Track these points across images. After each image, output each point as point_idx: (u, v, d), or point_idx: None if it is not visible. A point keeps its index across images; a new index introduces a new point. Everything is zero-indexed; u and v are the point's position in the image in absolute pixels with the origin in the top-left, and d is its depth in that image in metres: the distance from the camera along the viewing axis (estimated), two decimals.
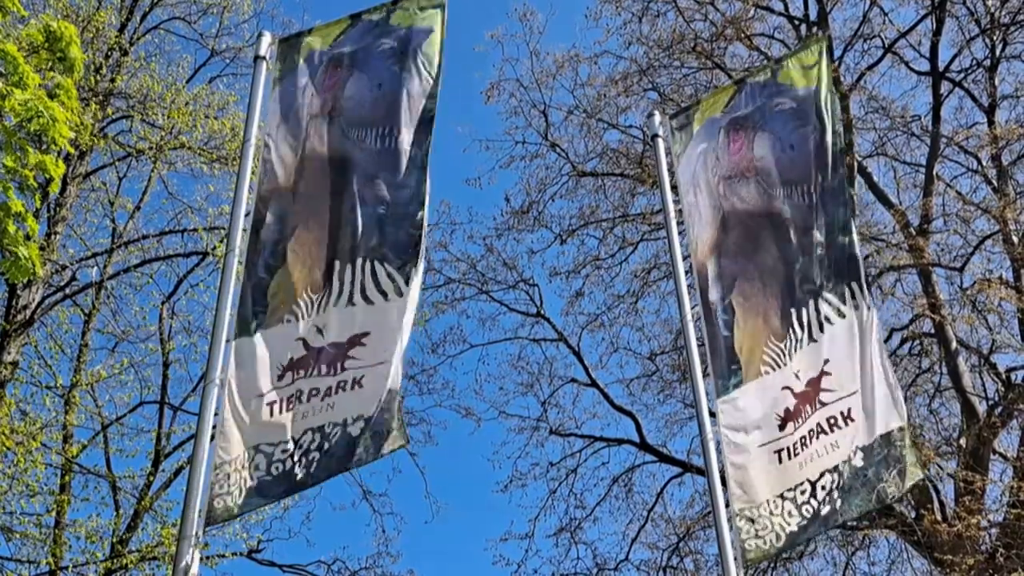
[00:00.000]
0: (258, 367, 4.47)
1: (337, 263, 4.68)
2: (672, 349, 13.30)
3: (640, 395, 13.74)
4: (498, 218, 14.04)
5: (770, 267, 5.33)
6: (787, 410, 5.05)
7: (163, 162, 11.77)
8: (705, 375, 5.15)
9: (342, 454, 4.28)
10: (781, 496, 4.90)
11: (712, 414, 5.06)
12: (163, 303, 11.83)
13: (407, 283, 4.57)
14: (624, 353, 13.94)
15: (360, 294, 4.62)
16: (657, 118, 5.94)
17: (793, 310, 5.19)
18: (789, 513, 4.87)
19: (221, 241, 11.14)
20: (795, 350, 5.13)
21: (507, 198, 14.03)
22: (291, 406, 4.39)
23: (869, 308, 5.21)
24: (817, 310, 5.21)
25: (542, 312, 13.99)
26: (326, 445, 4.29)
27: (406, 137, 4.92)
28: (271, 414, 4.34)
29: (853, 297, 5.20)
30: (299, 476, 4.24)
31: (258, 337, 4.53)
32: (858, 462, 4.92)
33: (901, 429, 5.05)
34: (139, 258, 11.80)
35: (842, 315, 5.18)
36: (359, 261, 4.65)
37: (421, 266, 4.65)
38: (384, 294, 4.58)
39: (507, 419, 14.06)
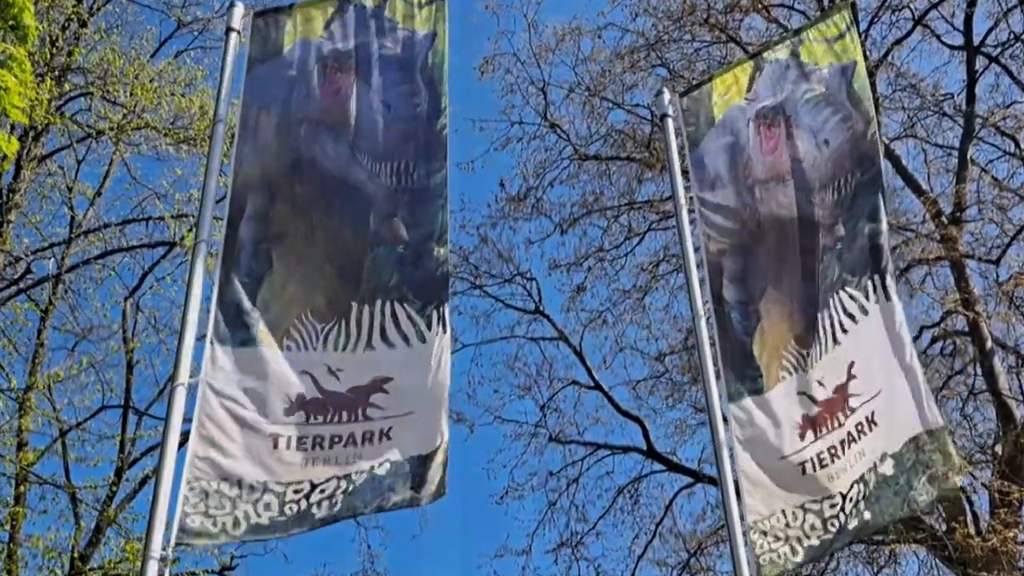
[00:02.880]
0: (250, 385, 4.50)
1: (354, 303, 4.72)
2: (682, 349, 13.32)
3: (647, 399, 13.77)
4: (493, 205, 14.04)
5: (799, 272, 5.34)
6: (806, 417, 5.07)
7: (126, 143, 11.74)
8: (717, 377, 5.16)
9: (369, 496, 4.37)
10: (803, 507, 4.92)
11: (726, 419, 5.07)
12: (127, 298, 11.82)
13: (429, 327, 4.65)
14: (630, 353, 13.96)
15: (380, 336, 4.69)
16: (666, 96, 5.94)
17: (818, 315, 5.21)
18: (812, 526, 4.90)
19: (190, 230, 11.13)
20: (819, 356, 5.15)
21: (502, 184, 14.03)
22: (307, 447, 4.45)
23: (894, 301, 5.23)
24: (840, 308, 5.23)
25: (541, 308, 14.01)
26: (351, 487, 4.38)
27: (422, 170, 5.00)
28: (275, 447, 4.38)
29: (875, 291, 5.22)
30: (319, 515, 4.33)
31: (247, 352, 4.55)
32: (887, 469, 4.95)
33: (930, 432, 5.07)
34: (100, 249, 11.79)
35: (865, 311, 5.20)
36: (378, 303, 4.71)
37: (446, 310, 4.72)
38: (406, 338, 4.67)
39: (503, 425, 14.09)
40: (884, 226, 5.42)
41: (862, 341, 5.16)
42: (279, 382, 4.51)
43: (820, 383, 5.13)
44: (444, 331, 4.73)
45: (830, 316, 5.23)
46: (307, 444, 4.43)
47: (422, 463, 4.51)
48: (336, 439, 4.48)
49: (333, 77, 5.15)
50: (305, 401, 4.51)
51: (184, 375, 4.38)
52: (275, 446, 4.39)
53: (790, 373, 5.16)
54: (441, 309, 4.75)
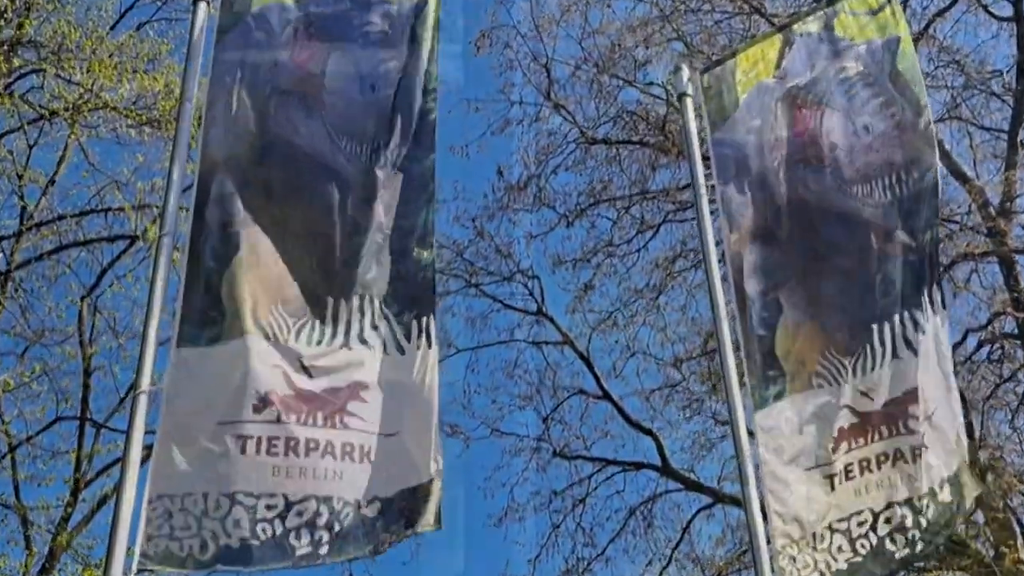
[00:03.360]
0: (219, 386, 4.45)
1: (329, 298, 4.67)
2: (701, 354, 13.31)
3: (662, 410, 13.76)
4: (490, 195, 14.02)
5: (842, 271, 5.32)
6: (842, 430, 5.06)
7: (82, 126, 11.72)
8: (742, 385, 5.15)
9: (361, 538, 4.33)
10: (830, 527, 4.91)
11: (751, 433, 5.06)
12: (83, 298, 11.80)
13: (408, 337, 4.61)
14: (643, 359, 13.93)
15: (357, 336, 4.64)
16: (685, 73, 5.92)
17: (875, 325, 5.19)
18: (839, 548, 4.89)
19: (153, 222, 11.10)
20: (869, 368, 5.12)
21: (500, 171, 14.02)
22: (279, 452, 4.39)
23: (941, 313, 5.22)
24: (903, 324, 5.20)
25: (543, 309, 14.00)
26: (336, 526, 4.32)
27: (407, 154, 4.96)
28: (244, 451, 4.33)
29: (932, 304, 5.20)
30: (301, 551, 4.27)
31: (217, 349, 4.51)
32: (945, 496, 4.94)
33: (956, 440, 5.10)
34: (54, 243, 11.76)
35: (923, 329, 5.18)
36: (355, 299, 4.66)
37: (431, 322, 4.68)
38: (384, 344, 4.63)
39: (502, 438, 14.08)
40: (936, 232, 5.41)
41: (923, 360, 5.14)
42: (249, 378, 4.47)
43: (866, 395, 5.11)
44: (429, 345, 4.67)
45: (892, 330, 5.19)
46: (278, 448, 4.37)
47: (413, 495, 4.46)
48: (312, 446, 4.42)
49: (305, 43, 5.12)
50: (277, 398, 4.47)
51: (147, 382, 4.36)
52: (243, 451, 4.35)
53: (828, 383, 5.14)
54: (423, 320, 4.69)
